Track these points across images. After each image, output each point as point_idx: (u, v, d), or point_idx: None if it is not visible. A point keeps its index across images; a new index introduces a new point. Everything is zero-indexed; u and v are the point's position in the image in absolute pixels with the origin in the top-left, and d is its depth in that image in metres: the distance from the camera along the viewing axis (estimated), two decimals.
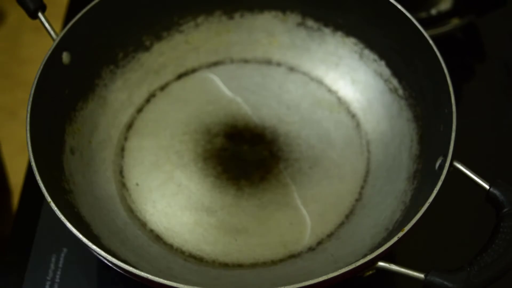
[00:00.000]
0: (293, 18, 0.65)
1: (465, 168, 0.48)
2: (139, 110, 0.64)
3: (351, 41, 0.64)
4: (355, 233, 0.56)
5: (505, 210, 0.46)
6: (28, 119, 0.50)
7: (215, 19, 0.66)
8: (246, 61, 0.67)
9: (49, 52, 0.54)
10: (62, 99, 0.57)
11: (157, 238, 0.56)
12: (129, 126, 0.63)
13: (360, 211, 0.58)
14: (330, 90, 0.65)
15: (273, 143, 0.62)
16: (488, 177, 0.48)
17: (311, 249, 0.56)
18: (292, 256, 0.56)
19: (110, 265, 0.46)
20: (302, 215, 0.58)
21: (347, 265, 0.43)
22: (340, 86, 0.65)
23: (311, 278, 0.43)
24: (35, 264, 0.59)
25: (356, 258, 0.50)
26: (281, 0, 0.65)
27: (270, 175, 0.60)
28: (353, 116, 0.64)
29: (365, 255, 0.44)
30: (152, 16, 0.63)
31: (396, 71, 0.61)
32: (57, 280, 0.58)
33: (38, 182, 0.47)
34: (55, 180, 0.52)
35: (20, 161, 0.91)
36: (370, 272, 0.45)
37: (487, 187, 0.47)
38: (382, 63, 0.62)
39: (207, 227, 0.57)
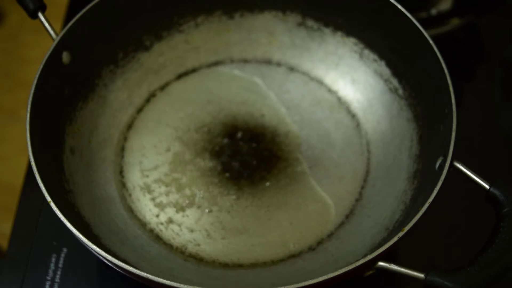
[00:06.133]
0: (293, 18, 0.65)
1: (465, 168, 0.48)
2: (139, 110, 0.64)
3: (351, 41, 0.64)
4: (355, 233, 0.56)
5: (505, 210, 0.46)
6: (28, 119, 0.50)
7: (215, 19, 0.66)
8: (246, 61, 0.67)
9: (49, 52, 0.54)
10: (62, 99, 0.57)
11: (157, 238, 0.56)
12: (129, 126, 0.63)
13: (360, 211, 0.58)
14: (330, 90, 0.65)
15: (273, 143, 0.62)
16: (488, 177, 0.48)
17: (311, 249, 0.56)
18: (292, 256, 0.56)
19: (110, 265, 0.46)
20: (302, 215, 0.58)
21: (347, 265, 0.43)
22: (340, 86, 0.65)
23: (311, 278, 0.43)
24: (35, 264, 0.59)
25: (356, 258, 0.50)
26: (281, 0, 0.65)
27: (270, 175, 0.60)
28: (353, 116, 0.64)
29: (365, 255, 0.44)
30: (152, 16, 0.63)
31: (396, 71, 0.61)
32: (57, 280, 0.58)
33: (38, 182, 0.47)
34: (55, 180, 0.52)
35: (20, 161, 0.91)
36: (370, 272, 0.45)
37: (487, 187, 0.47)
38: (382, 63, 0.62)
39: (207, 227, 0.57)
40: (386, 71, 0.62)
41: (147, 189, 0.59)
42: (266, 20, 0.66)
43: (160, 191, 0.59)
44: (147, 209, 0.58)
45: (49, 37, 0.55)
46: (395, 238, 0.45)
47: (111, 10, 0.59)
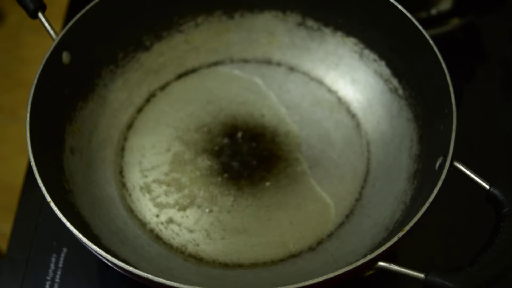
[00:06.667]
0: (293, 18, 0.65)
1: (465, 168, 0.48)
2: (139, 110, 0.64)
3: (351, 41, 0.64)
4: (355, 233, 0.56)
5: (505, 210, 0.46)
6: (28, 119, 0.50)
7: (215, 19, 0.66)
8: (246, 61, 0.67)
9: (49, 52, 0.54)
10: (62, 99, 0.57)
11: (157, 238, 0.56)
12: (129, 126, 0.63)
13: (360, 211, 0.58)
14: (330, 90, 0.65)
15: (273, 143, 0.62)
16: (488, 177, 0.48)
17: (311, 249, 0.56)
18: (292, 256, 0.56)
19: (110, 265, 0.46)
20: (302, 215, 0.58)
21: (347, 265, 0.43)
22: (340, 86, 0.65)
23: (311, 278, 0.43)
24: (35, 264, 0.59)
25: (356, 258, 0.50)
26: (281, 0, 0.65)
27: (270, 175, 0.60)
28: (353, 116, 0.64)
29: (365, 255, 0.44)
30: (152, 16, 0.63)
31: (396, 71, 0.61)
32: (57, 280, 0.58)
33: (38, 182, 0.47)
34: (55, 180, 0.52)
35: (20, 161, 0.91)
36: (370, 272, 0.45)
37: (487, 187, 0.47)
38: (382, 63, 0.62)
39: (207, 227, 0.57)
40: (386, 71, 0.62)
41: (147, 189, 0.59)
42: (266, 20, 0.66)
43: (160, 191, 0.59)
44: (147, 209, 0.58)
45: (49, 37, 0.55)
46: (395, 238, 0.45)
47: (111, 10, 0.59)
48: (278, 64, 0.67)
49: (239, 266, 0.55)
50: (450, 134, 0.49)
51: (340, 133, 0.63)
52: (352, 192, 0.59)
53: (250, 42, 0.67)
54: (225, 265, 0.55)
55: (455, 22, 0.73)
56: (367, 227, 0.56)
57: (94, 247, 0.45)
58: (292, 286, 0.42)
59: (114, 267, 0.46)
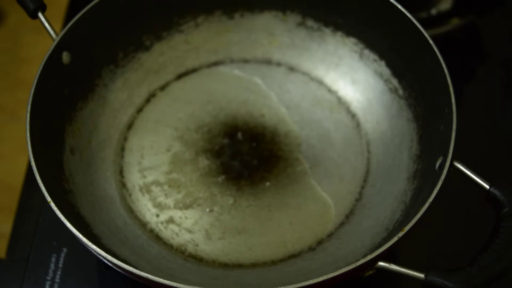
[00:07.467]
0: (293, 18, 0.65)
1: (465, 168, 0.48)
2: (139, 110, 0.64)
3: (351, 41, 0.64)
4: (355, 233, 0.56)
5: (505, 210, 0.46)
6: (28, 119, 0.50)
7: (215, 19, 0.66)
8: (246, 61, 0.67)
9: (49, 52, 0.54)
10: (62, 99, 0.57)
11: (157, 238, 0.56)
12: (129, 126, 0.63)
13: (360, 211, 0.58)
14: (330, 90, 0.65)
15: (273, 143, 0.62)
16: (488, 177, 0.48)
17: (311, 249, 0.56)
18: (292, 256, 0.56)
19: (110, 265, 0.46)
20: (302, 215, 0.58)
21: (347, 265, 0.43)
22: (340, 86, 0.65)
23: (311, 278, 0.43)
24: (35, 264, 0.59)
25: (356, 258, 0.50)
26: (281, 0, 0.65)
27: (270, 175, 0.60)
28: (353, 116, 0.64)
29: (365, 255, 0.44)
30: (152, 16, 0.63)
31: (396, 71, 0.61)
32: (57, 280, 0.58)
33: (38, 182, 0.47)
34: (55, 180, 0.52)
35: (20, 161, 0.91)
36: (370, 272, 0.45)
37: (487, 187, 0.47)
38: (382, 63, 0.62)
39: (207, 227, 0.57)
40: (386, 71, 0.62)
41: (147, 189, 0.59)
42: (266, 20, 0.66)
43: (160, 191, 0.59)
44: (147, 209, 0.58)
45: (49, 37, 0.55)
46: (395, 238, 0.45)
47: (111, 10, 0.59)
48: (278, 64, 0.67)
49: (239, 266, 0.55)
50: (450, 134, 0.49)
51: (340, 133, 0.63)
52: (352, 192, 0.59)
53: (250, 42, 0.67)
54: (225, 265, 0.55)
55: (455, 22, 0.73)
56: (367, 227, 0.56)
57: (94, 247, 0.45)
58: (292, 286, 0.42)
59: (114, 267, 0.46)
